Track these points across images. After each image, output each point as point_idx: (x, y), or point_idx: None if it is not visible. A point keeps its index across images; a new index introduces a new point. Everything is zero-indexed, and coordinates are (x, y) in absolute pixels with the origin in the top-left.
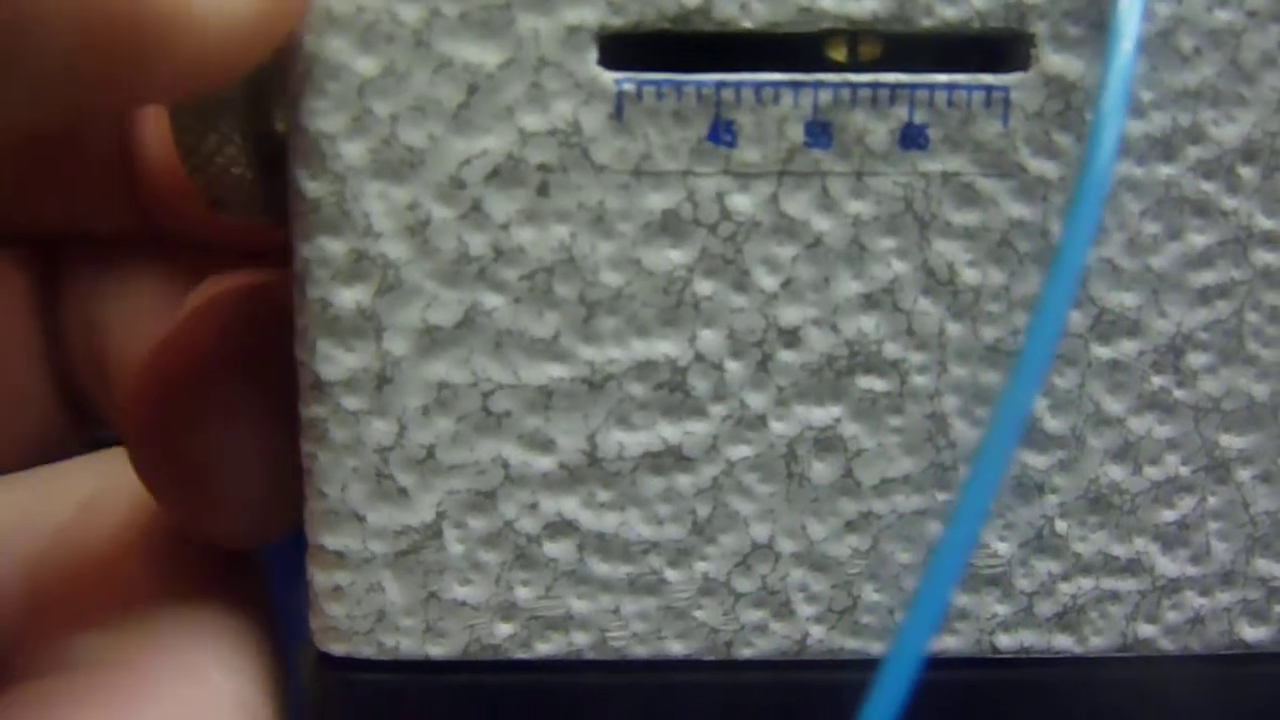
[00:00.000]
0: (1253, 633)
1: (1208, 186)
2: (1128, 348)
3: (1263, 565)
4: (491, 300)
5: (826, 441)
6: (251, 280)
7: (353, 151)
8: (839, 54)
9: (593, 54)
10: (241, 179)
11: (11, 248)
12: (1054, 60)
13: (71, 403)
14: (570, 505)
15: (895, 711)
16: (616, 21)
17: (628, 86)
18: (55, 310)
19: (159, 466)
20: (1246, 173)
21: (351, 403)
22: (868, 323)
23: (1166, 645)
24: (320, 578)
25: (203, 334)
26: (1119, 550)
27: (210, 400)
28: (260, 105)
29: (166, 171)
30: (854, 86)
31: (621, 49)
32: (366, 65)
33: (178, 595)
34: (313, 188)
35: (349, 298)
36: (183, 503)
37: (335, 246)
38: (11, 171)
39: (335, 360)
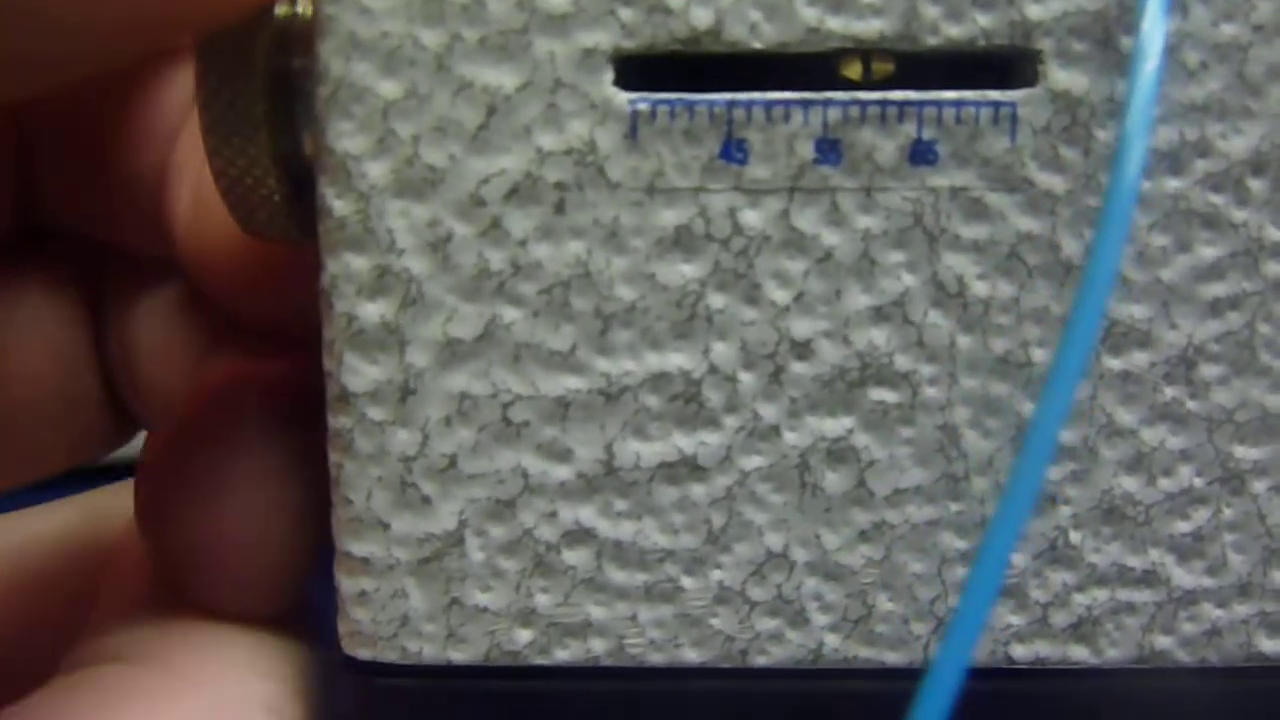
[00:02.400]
0: (1271, 645)
1: (1217, 199)
2: (1139, 359)
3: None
4: (510, 314)
5: (839, 452)
6: (264, 365)
7: (377, 171)
8: (853, 72)
9: (607, 75)
10: (270, 199)
11: (65, 254)
12: (1060, 76)
13: (117, 409)
14: (588, 514)
15: None
16: (630, 44)
17: (642, 106)
18: (101, 321)
19: (158, 538)
20: (1255, 185)
21: (376, 413)
22: (878, 335)
23: (1183, 657)
24: (346, 583)
25: (214, 416)
26: (1134, 561)
27: (216, 484)
28: (288, 128)
29: (195, 243)
30: (863, 104)
31: (635, 70)
32: (390, 88)
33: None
34: (339, 206)
35: (373, 312)
36: (179, 577)
37: (360, 262)
38: (66, 172)
39: (360, 372)
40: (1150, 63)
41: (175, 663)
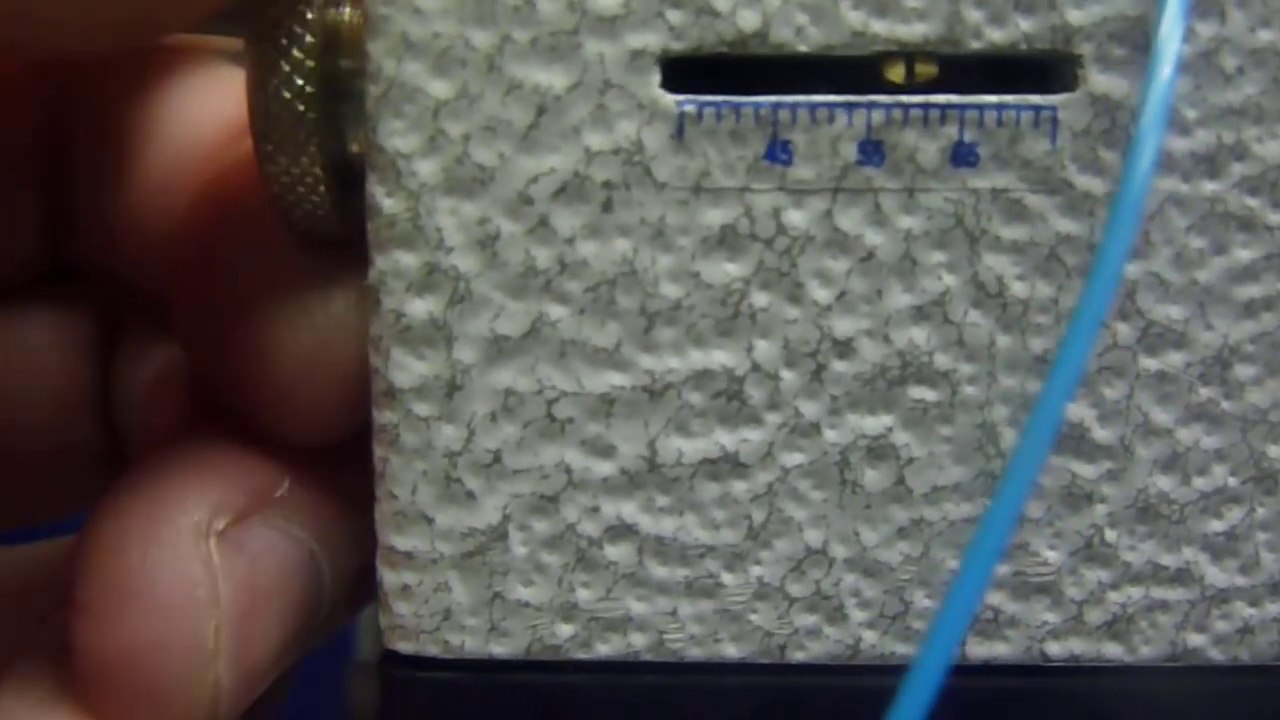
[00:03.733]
0: None
1: (1252, 202)
2: (1175, 360)
3: None
4: (556, 311)
5: (878, 450)
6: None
7: (427, 169)
8: (896, 75)
9: (655, 77)
10: (321, 201)
11: (84, 292)
12: (1100, 80)
13: (117, 463)
14: (630, 509)
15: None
16: (678, 46)
17: (688, 108)
18: (112, 363)
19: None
20: None
21: (422, 409)
22: (919, 334)
23: (1216, 655)
24: (390, 577)
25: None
26: (1168, 560)
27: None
28: (336, 128)
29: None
30: (905, 107)
31: (683, 72)
32: (441, 88)
33: None
34: (388, 204)
35: (421, 308)
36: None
37: (409, 260)
38: (93, 206)
39: (407, 368)
40: (1166, 67)
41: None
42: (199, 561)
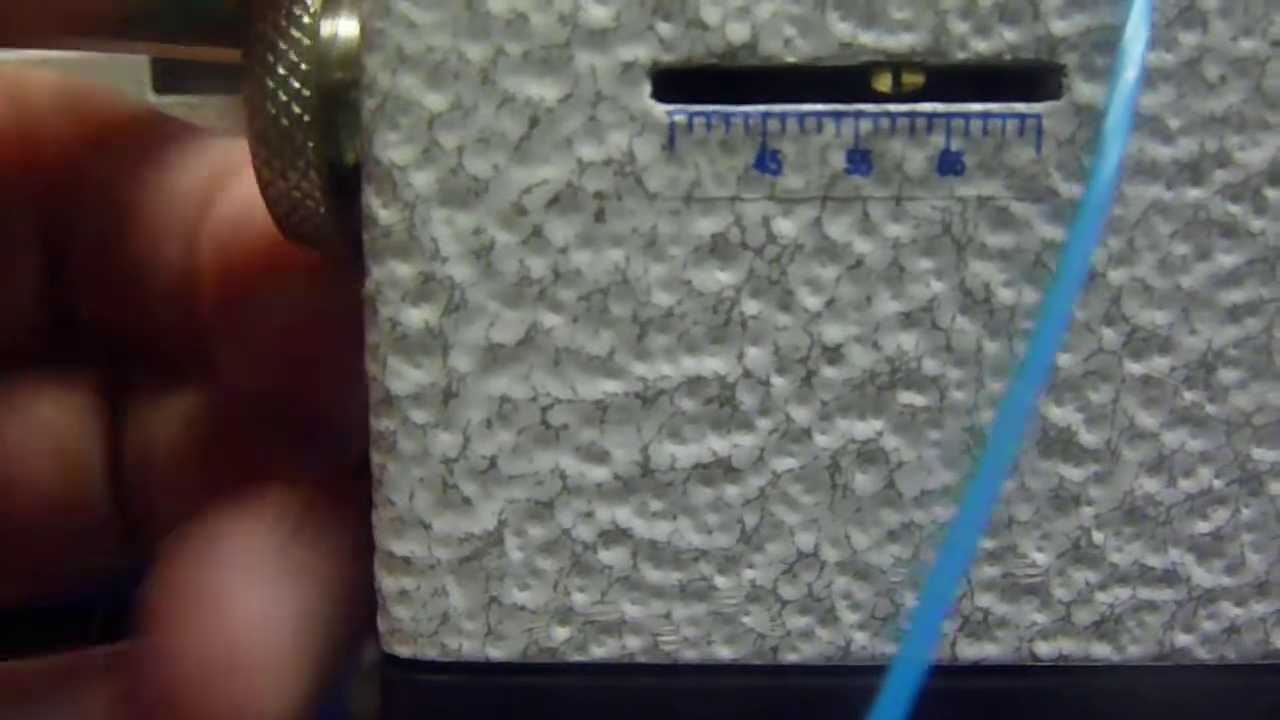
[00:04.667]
0: None
1: (1235, 209)
2: (1160, 364)
3: None
4: (550, 320)
5: (869, 454)
6: (268, 489)
7: (422, 181)
8: (884, 85)
9: (646, 88)
10: (316, 210)
11: (84, 359)
12: (1084, 89)
13: (126, 527)
14: (624, 514)
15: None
16: (668, 58)
17: (679, 118)
18: (119, 430)
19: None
20: (1273, 194)
21: (419, 416)
22: (907, 340)
23: (1203, 654)
24: (388, 582)
25: (216, 537)
26: (1155, 561)
27: (220, 596)
28: (332, 138)
29: (224, 312)
30: (893, 116)
31: (673, 83)
32: (435, 101)
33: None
34: (384, 215)
35: (417, 317)
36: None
37: (405, 269)
38: (92, 272)
39: (404, 376)
40: (1130, 71)
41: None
42: (278, 577)
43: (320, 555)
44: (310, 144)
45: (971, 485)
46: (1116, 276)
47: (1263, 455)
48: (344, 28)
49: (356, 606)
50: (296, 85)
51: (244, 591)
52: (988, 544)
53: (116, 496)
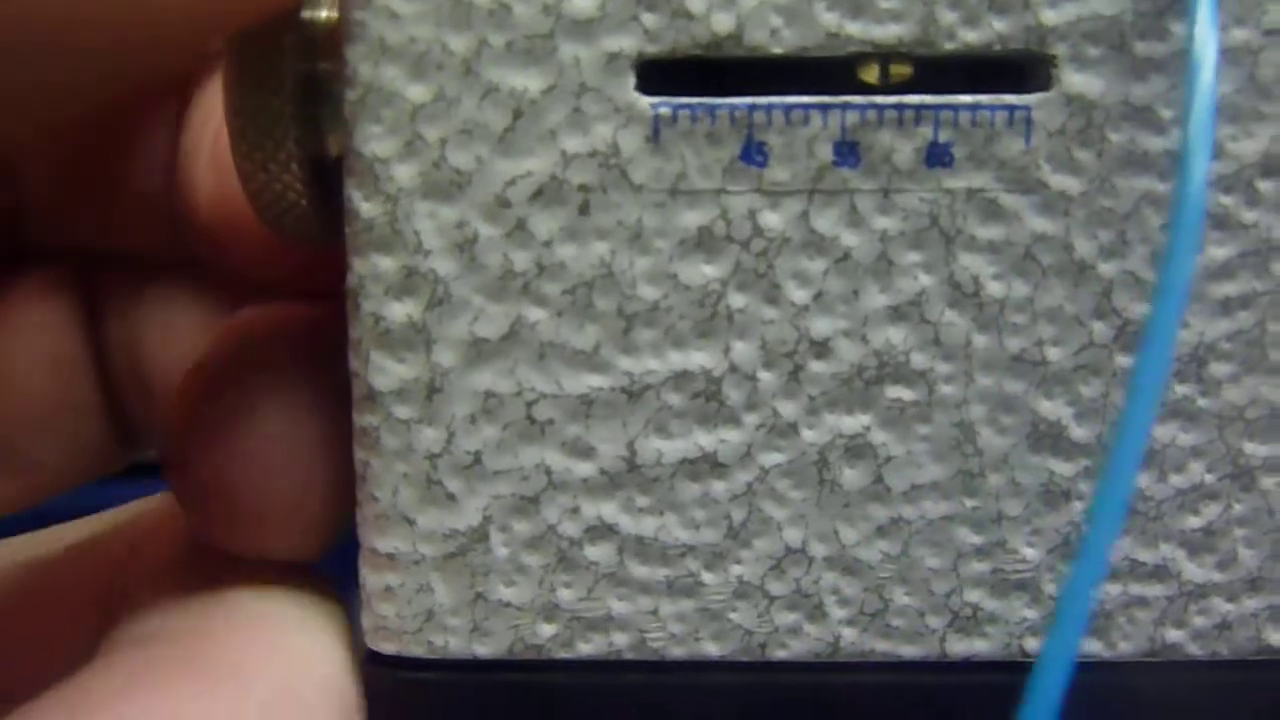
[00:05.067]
0: None
1: (1227, 200)
2: None
3: None
4: (535, 314)
5: (857, 449)
6: (287, 308)
7: (404, 173)
8: (870, 76)
9: (630, 80)
10: (297, 202)
11: (54, 267)
12: (1074, 80)
13: (119, 422)
14: (610, 510)
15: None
16: (653, 49)
17: (664, 110)
18: (100, 329)
19: (190, 481)
20: (1265, 186)
21: (403, 411)
22: (896, 334)
23: (1194, 650)
24: (372, 579)
25: (237, 354)
26: (1146, 556)
27: (242, 417)
28: (313, 131)
29: (220, 212)
30: (880, 108)
31: (658, 75)
32: (418, 92)
33: (259, 581)
34: (366, 208)
35: (400, 311)
36: (213, 520)
37: (387, 263)
38: (54, 188)
39: (387, 371)
40: (1206, 71)
41: (218, 643)
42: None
43: (339, 385)
44: (292, 137)
45: (1103, 480)
46: (1107, 269)
47: (1255, 450)
48: (328, 17)
49: None
50: (279, 75)
51: (273, 412)
52: (976, 539)
53: (106, 393)
